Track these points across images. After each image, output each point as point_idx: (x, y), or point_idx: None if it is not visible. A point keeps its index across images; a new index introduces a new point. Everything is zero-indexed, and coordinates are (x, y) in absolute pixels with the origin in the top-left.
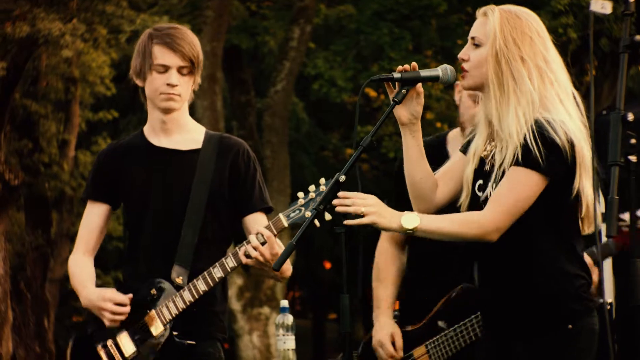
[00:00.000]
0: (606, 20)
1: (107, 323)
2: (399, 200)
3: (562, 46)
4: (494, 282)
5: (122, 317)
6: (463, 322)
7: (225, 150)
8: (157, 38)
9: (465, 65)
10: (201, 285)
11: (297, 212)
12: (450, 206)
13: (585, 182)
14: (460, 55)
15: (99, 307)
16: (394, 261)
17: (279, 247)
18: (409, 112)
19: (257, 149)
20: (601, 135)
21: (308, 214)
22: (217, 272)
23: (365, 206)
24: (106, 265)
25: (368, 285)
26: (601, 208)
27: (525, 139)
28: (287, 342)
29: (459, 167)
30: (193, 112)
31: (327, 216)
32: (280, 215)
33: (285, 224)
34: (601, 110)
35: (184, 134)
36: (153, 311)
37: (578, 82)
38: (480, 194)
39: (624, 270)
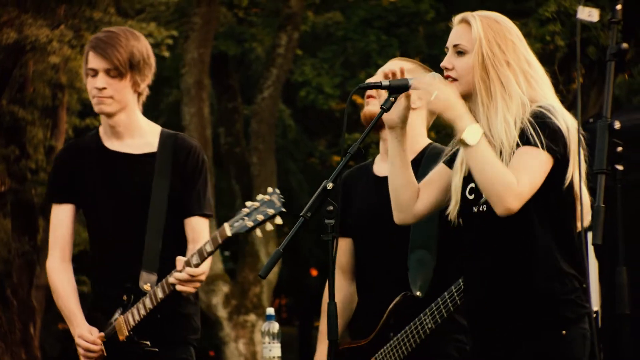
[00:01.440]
0: (593, 28)
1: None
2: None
3: (549, 54)
4: (489, 285)
5: (94, 355)
6: (404, 329)
7: (180, 152)
8: (90, 43)
9: (451, 74)
10: (159, 292)
11: (240, 221)
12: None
13: (576, 175)
14: (444, 64)
15: (77, 344)
16: (339, 291)
17: (198, 273)
18: (397, 116)
19: (244, 156)
20: (589, 143)
21: (250, 223)
22: (171, 279)
23: (432, 91)
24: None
25: None
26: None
27: (523, 130)
28: (273, 350)
29: (440, 178)
30: (180, 118)
31: (269, 226)
32: (225, 224)
33: (229, 234)
34: (588, 118)
35: (136, 137)
36: (122, 317)
37: (565, 90)
38: (471, 197)
39: (609, 277)
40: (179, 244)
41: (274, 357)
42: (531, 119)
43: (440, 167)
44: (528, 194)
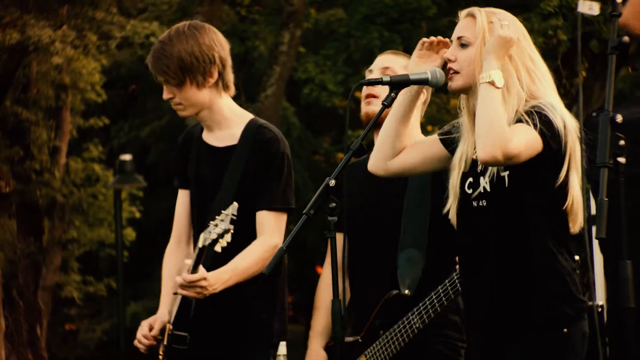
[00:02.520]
0: (596, 22)
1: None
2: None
3: (552, 48)
4: (488, 282)
5: (142, 346)
6: (392, 328)
7: (256, 144)
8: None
9: (453, 66)
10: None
11: (206, 234)
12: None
13: (573, 175)
14: (447, 55)
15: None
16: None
17: (193, 280)
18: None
19: None
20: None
21: (209, 239)
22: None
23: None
24: (99, 273)
25: None
26: (591, 210)
27: (518, 121)
28: (279, 348)
29: (427, 147)
30: (183, 117)
31: (219, 246)
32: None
33: (200, 245)
34: (591, 112)
35: (224, 129)
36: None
37: (569, 84)
38: (470, 191)
39: (614, 271)
40: (247, 238)
41: (280, 355)
42: (529, 110)
43: (433, 138)
44: (516, 153)
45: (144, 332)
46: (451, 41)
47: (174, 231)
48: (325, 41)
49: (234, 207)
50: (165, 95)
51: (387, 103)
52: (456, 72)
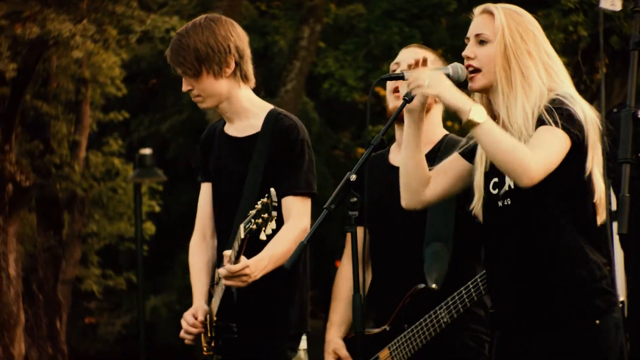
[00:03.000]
0: (616, 17)
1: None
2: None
3: (572, 44)
4: (517, 278)
5: (190, 337)
6: (419, 321)
7: (276, 131)
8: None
9: (473, 63)
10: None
11: (248, 222)
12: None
13: (595, 169)
14: (466, 53)
15: (184, 318)
16: (349, 281)
17: (236, 270)
18: (417, 100)
19: None
20: (613, 133)
21: (254, 226)
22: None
23: (423, 79)
24: (119, 266)
25: None
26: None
27: (540, 117)
28: (300, 342)
29: (453, 167)
30: (203, 112)
31: (264, 234)
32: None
33: (242, 235)
34: (612, 108)
35: (243, 120)
36: (214, 300)
37: (589, 80)
38: (495, 191)
39: (636, 267)
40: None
41: (300, 350)
42: (548, 105)
43: (454, 157)
44: (544, 168)
45: (191, 322)
46: (467, 39)
47: (198, 224)
48: (345, 36)
49: (273, 195)
50: (185, 87)
51: (408, 98)
52: (477, 71)
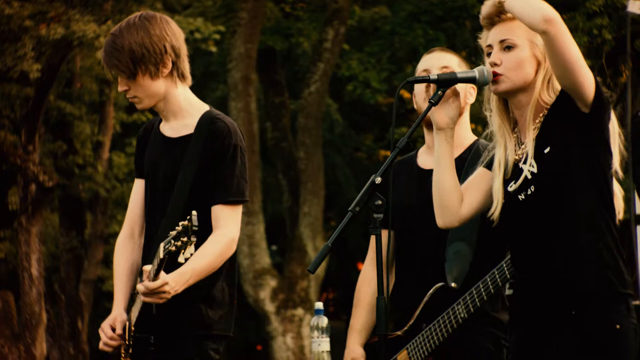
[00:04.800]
0: None
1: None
2: None
3: (597, 47)
4: (542, 263)
5: (109, 348)
6: (436, 319)
7: (210, 135)
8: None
9: (498, 70)
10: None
11: (167, 244)
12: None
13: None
14: (493, 60)
15: (101, 328)
16: (371, 285)
17: (154, 287)
18: (447, 115)
19: (291, 150)
20: (637, 136)
21: (172, 248)
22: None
23: None
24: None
25: None
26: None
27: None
28: (322, 344)
29: (482, 180)
30: (227, 113)
31: (183, 257)
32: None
33: (161, 255)
34: (637, 111)
35: (179, 119)
36: (133, 310)
37: (613, 83)
38: (512, 188)
39: None
40: (204, 232)
41: (323, 352)
42: None
43: (481, 171)
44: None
45: (109, 334)
46: (490, 46)
47: (127, 221)
48: (369, 38)
49: (194, 219)
50: (120, 87)
51: (434, 101)
52: (500, 75)
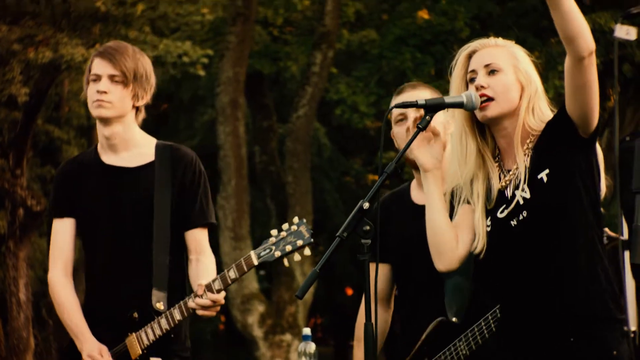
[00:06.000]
0: (629, 45)
1: None
2: None
3: None
4: (534, 290)
5: None
6: (438, 355)
7: (177, 163)
8: (97, 51)
9: (487, 92)
10: (177, 315)
11: (268, 250)
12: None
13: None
14: (479, 83)
15: (89, 356)
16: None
17: (220, 299)
18: (432, 156)
19: (279, 175)
20: (624, 161)
21: (277, 253)
22: (191, 303)
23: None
24: None
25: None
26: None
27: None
28: None
29: (467, 217)
30: (215, 137)
31: (297, 257)
32: (252, 253)
33: (256, 263)
34: (624, 136)
35: (131, 149)
36: (133, 335)
37: (601, 107)
38: (503, 214)
39: None
40: (182, 256)
41: None
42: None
43: (463, 208)
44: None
45: None
46: (473, 71)
47: (59, 261)
48: (357, 62)
49: (305, 223)
50: (102, 87)
51: (422, 126)
52: (491, 99)
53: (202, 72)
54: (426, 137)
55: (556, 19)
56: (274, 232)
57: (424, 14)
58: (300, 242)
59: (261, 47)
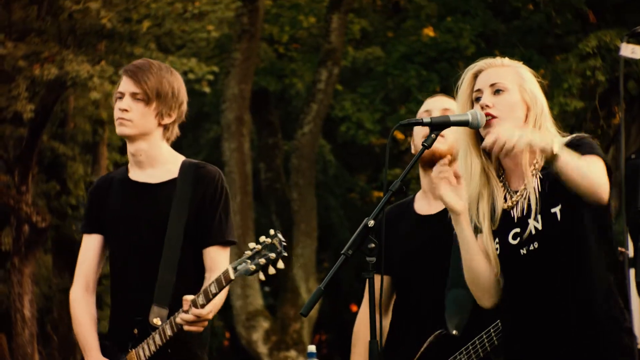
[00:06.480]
0: (634, 63)
1: None
2: None
3: (590, 89)
4: (547, 326)
5: None
6: None
7: (200, 180)
8: (123, 69)
9: (492, 112)
10: (168, 330)
11: (243, 264)
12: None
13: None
14: (485, 102)
15: None
16: (368, 328)
17: (204, 314)
18: (460, 198)
19: (285, 191)
20: (630, 179)
21: (252, 267)
22: (178, 319)
23: (512, 137)
24: None
25: None
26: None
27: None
28: None
29: (492, 244)
30: (221, 154)
31: (271, 270)
32: (229, 267)
33: (232, 277)
34: (630, 154)
35: (158, 166)
36: (133, 351)
37: (606, 125)
38: (515, 241)
39: None
40: (195, 274)
41: None
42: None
43: (484, 235)
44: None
45: None
46: (479, 91)
47: (81, 277)
48: (362, 79)
49: (280, 234)
50: (123, 105)
51: (428, 144)
52: (494, 117)
53: (207, 89)
54: (452, 181)
55: (571, 185)
56: (251, 244)
57: (429, 32)
58: (272, 255)
59: (267, 64)
